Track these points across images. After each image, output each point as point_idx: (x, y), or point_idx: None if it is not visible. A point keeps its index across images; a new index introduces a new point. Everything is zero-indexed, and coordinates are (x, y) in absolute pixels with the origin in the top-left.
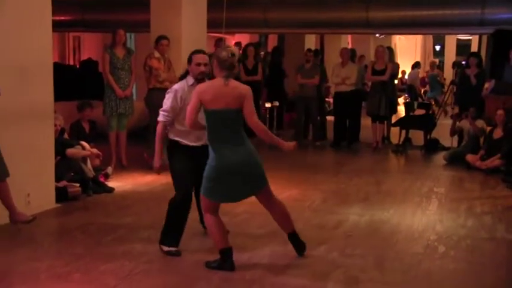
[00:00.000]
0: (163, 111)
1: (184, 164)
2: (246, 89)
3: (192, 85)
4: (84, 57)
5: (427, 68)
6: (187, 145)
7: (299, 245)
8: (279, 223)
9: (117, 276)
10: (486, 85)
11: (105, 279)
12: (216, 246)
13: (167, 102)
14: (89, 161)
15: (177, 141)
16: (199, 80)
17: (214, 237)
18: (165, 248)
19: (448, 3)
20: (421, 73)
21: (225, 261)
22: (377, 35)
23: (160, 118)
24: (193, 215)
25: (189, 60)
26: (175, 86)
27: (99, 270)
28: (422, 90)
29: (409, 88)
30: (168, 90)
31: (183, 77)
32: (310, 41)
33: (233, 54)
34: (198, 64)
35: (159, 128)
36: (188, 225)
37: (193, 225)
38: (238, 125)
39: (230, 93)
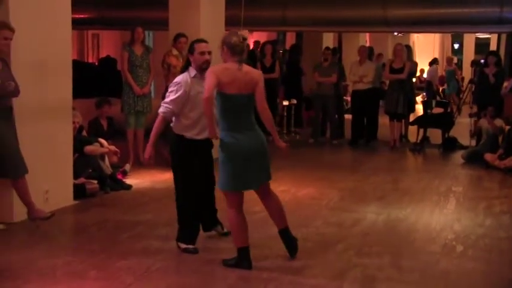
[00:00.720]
0: (165, 103)
1: (188, 160)
2: (258, 74)
3: (194, 77)
4: (102, 54)
5: (446, 65)
6: (192, 139)
7: (291, 242)
8: (274, 217)
9: (134, 273)
10: (505, 84)
11: (121, 276)
12: (235, 244)
13: (170, 95)
14: (106, 158)
15: (181, 136)
16: (203, 69)
17: (235, 235)
18: (183, 246)
19: (466, 2)
20: (440, 70)
21: (242, 259)
22: (395, 33)
23: (160, 110)
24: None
25: (191, 50)
26: (178, 79)
27: (115, 267)
28: (440, 89)
29: (427, 85)
30: (171, 84)
31: (184, 69)
32: (328, 39)
33: (245, 39)
34: (202, 53)
35: (158, 120)
36: None
37: None
38: (250, 110)
39: (243, 78)
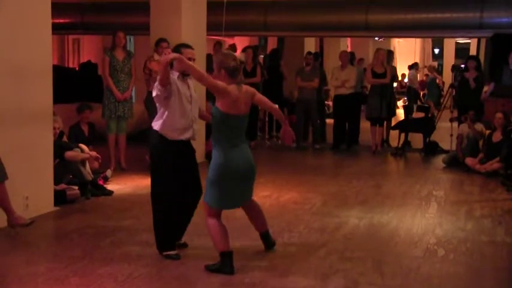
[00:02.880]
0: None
1: (169, 161)
2: (251, 89)
3: (177, 78)
4: (83, 59)
5: (426, 71)
6: (174, 140)
7: (270, 243)
8: (255, 220)
9: (115, 279)
10: (485, 88)
11: (103, 282)
12: (218, 248)
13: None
14: (87, 164)
15: (163, 137)
16: (184, 75)
17: (214, 239)
18: (164, 252)
19: (447, 7)
20: (420, 75)
21: (225, 264)
22: (376, 38)
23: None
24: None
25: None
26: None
27: (97, 273)
28: (421, 93)
29: (408, 89)
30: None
31: None
32: (310, 44)
33: (242, 62)
34: (189, 59)
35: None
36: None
37: (192, 228)
38: (244, 128)
39: (243, 99)
